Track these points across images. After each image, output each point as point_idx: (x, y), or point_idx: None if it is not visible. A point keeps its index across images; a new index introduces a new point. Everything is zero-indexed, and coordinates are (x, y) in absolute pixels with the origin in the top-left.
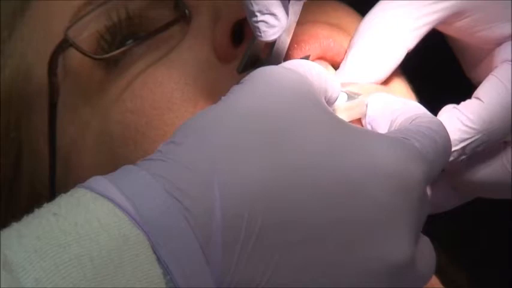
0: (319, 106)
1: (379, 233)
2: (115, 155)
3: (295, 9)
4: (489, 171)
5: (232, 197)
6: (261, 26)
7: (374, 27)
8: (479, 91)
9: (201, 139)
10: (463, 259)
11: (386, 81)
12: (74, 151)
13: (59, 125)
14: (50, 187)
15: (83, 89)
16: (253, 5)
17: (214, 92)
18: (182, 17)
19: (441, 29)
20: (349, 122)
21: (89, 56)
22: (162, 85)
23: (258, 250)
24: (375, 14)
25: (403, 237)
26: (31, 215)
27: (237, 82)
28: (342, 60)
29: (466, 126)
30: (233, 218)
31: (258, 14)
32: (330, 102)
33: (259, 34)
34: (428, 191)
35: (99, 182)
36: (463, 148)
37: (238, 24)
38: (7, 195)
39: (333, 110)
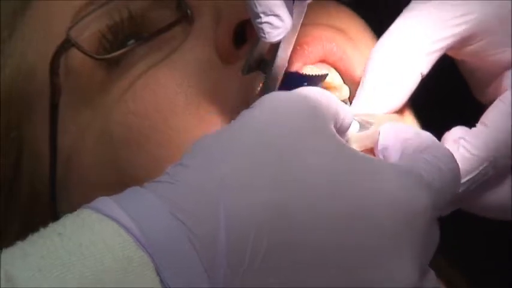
0: (327, 134)
1: (383, 260)
2: (116, 156)
3: (299, 10)
4: (497, 195)
5: (237, 221)
6: (265, 27)
7: (388, 52)
8: (485, 117)
9: (208, 162)
10: (462, 263)
11: (398, 111)
12: (75, 151)
13: (60, 125)
14: (50, 187)
15: (84, 89)
16: (257, 6)
17: (217, 94)
18: (184, 18)
19: (451, 53)
20: (361, 151)
21: (91, 56)
22: (164, 87)
23: (262, 273)
24: (389, 36)
25: (406, 265)
26: (36, 234)
27: (248, 106)
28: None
29: (473, 154)
30: (238, 241)
31: (261, 15)
32: (342, 129)
33: (263, 35)
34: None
35: (105, 203)
36: (474, 177)
37: (241, 25)
38: (7, 195)
39: (346, 139)
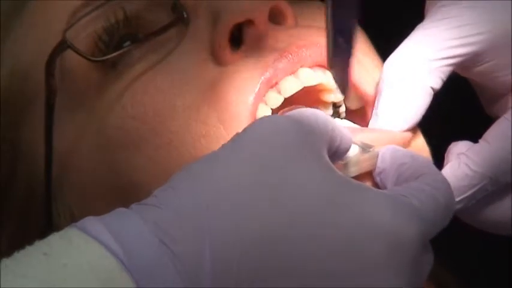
0: (318, 160)
1: None
2: (114, 159)
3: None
4: (497, 212)
5: (222, 247)
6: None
7: (399, 72)
8: (488, 134)
9: (196, 187)
10: (455, 264)
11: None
12: (71, 153)
13: (56, 127)
14: (46, 189)
15: (80, 91)
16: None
17: (216, 96)
18: (180, 20)
19: (460, 72)
20: (360, 174)
21: (86, 58)
22: (163, 92)
23: None
24: (399, 56)
25: None
26: (22, 252)
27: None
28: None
29: (474, 171)
30: (223, 267)
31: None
32: (339, 153)
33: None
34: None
35: (93, 223)
36: (474, 194)
37: (237, 27)
38: (2, 195)
39: (344, 162)
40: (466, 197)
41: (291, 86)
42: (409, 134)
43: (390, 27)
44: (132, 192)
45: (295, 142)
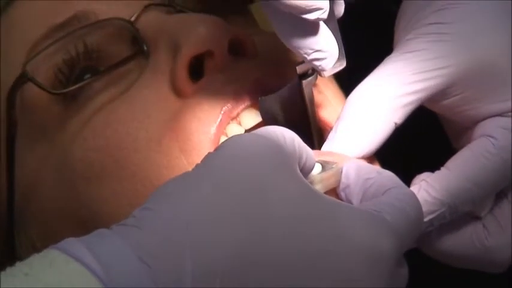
0: (292, 177)
1: None
2: (77, 191)
3: (333, 26)
4: (457, 243)
5: (204, 263)
6: (315, 64)
7: (362, 102)
8: (450, 162)
9: (174, 206)
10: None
11: (367, 158)
12: (34, 185)
13: (18, 157)
14: (9, 220)
15: (41, 123)
16: (299, 51)
17: (177, 128)
18: (140, 52)
19: (429, 106)
20: (324, 192)
21: (47, 91)
22: (125, 124)
23: None
24: (362, 89)
25: None
26: (3, 273)
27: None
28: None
29: (433, 197)
30: (204, 283)
31: (306, 56)
32: (304, 171)
33: (319, 71)
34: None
35: (73, 245)
36: (431, 220)
37: (198, 58)
38: None
39: (309, 180)
40: (424, 222)
41: (252, 118)
42: (364, 161)
43: (355, 61)
44: (96, 224)
45: (269, 159)
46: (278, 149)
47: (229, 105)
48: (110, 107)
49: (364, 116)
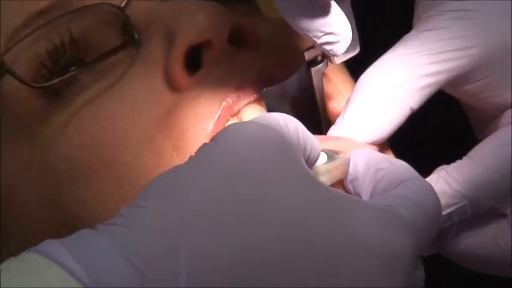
0: (298, 169)
1: None
2: (61, 194)
3: (346, 8)
4: (478, 242)
5: (200, 267)
6: (326, 48)
7: (375, 84)
8: (475, 151)
9: (168, 203)
10: None
11: (379, 145)
12: (15, 187)
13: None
14: None
15: (22, 119)
16: (309, 33)
17: (171, 124)
18: (131, 41)
19: (449, 91)
20: (330, 185)
21: (27, 84)
22: (114, 121)
23: None
24: (376, 69)
25: None
26: None
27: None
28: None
29: (453, 189)
30: None
31: (317, 40)
32: (309, 162)
33: (331, 56)
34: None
35: (53, 247)
36: (449, 214)
37: (195, 48)
38: None
39: (314, 172)
40: (441, 217)
41: (255, 114)
42: (374, 149)
43: (370, 46)
44: (79, 229)
45: (271, 150)
46: (281, 139)
47: (229, 99)
48: (97, 101)
49: (376, 98)
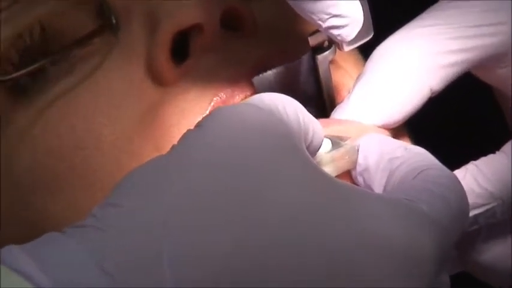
0: (298, 157)
1: None
2: (27, 204)
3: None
4: (506, 254)
5: (187, 275)
6: (332, 33)
7: (390, 58)
8: (508, 145)
9: (146, 201)
10: None
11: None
12: None
13: None
14: None
15: None
16: (313, 16)
17: (153, 125)
18: (107, 26)
19: (478, 74)
20: (336, 176)
21: None
22: (86, 119)
23: None
24: (392, 43)
25: None
26: None
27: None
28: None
29: (482, 187)
30: None
31: (321, 23)
32: (311, 149)
33: (339, 44)
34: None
35: (14, 253)
36: (476, 217)
37: (182, 35)
38: None
39: (317, 161)
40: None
41: None
42: (388, 134)
43: (386, 31)
44: None
45: (267, 137)
46: (278, 123)
47: (222, 94)
48: (68, 98)
49: (391, 75)
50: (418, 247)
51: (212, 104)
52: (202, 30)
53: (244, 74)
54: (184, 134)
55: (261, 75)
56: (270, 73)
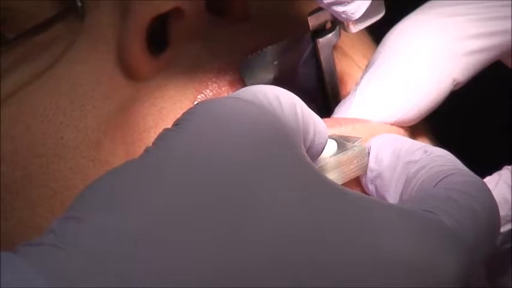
0: (296, 161)
1: None
2: None
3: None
4: None
5: None
6: (338, 10)
7: (404, 44)
8: None
9: (114, 215)
10: None
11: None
12: None
13: None
14: None
15: None
16: None
17: (125, 126)
18: (72, 10)
19: (508, 63)
20: (343, 184)
21: None
22: (45, 119)
23: None
24: (406, 26)
25: None
26: None
27: (174, 123)
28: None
29: None
30: None
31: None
32: (313, 152)
33: (345, 24)
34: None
35: None
36: (509, 233)
37: (160, 20)
38: None
39: (320, 166)
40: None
41: None
42: (403, 134)
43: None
44: None
45: (258, 138)
46: (270, 122)
47: (207, 90)
48: (23, 94)
49: (407, 63)
50: (438, 266)
51: (195, 102)
52: (183, 14)
53: (233, 64)
54: (161, 134)
55: (248, 57)
56: (259, 55)
